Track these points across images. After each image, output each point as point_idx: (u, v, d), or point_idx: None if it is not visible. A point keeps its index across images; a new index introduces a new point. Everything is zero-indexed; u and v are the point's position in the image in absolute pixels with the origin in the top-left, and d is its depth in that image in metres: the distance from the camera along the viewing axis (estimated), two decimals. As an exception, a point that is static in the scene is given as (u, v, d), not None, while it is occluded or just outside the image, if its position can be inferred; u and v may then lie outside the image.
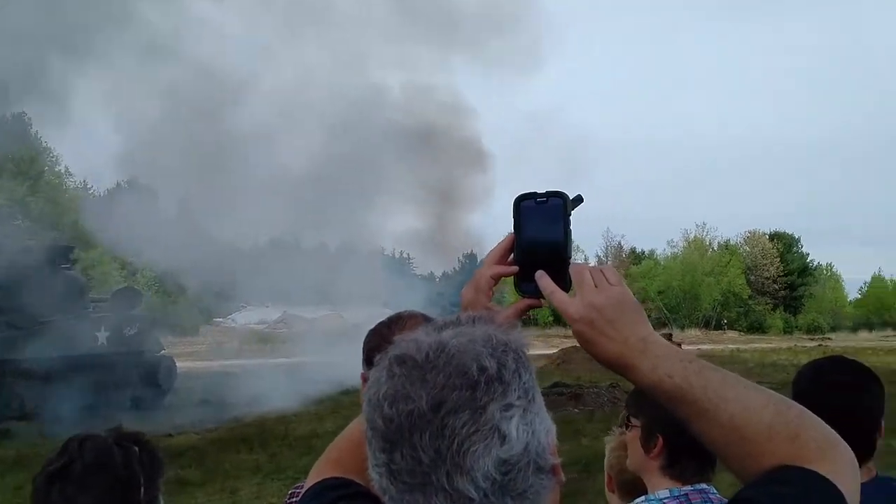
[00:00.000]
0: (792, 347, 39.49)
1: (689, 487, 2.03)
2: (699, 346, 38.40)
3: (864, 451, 2.04)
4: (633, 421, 2.16)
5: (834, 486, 0.96)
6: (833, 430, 1.03)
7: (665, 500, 2.02)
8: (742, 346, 41.97)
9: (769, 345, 42.56)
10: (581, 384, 18.53)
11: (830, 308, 74.86)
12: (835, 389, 2.10)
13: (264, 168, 24.62)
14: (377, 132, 26.92)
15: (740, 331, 64.45)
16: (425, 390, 0.84)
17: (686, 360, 1.06)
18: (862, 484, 2.01)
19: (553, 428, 0.92)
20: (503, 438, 0.83)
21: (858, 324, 71.62)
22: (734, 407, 1.01)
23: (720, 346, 42.09)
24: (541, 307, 1.21)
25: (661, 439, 2.05)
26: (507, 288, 1.36)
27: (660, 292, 68.69)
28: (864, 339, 53.64)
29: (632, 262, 76.41)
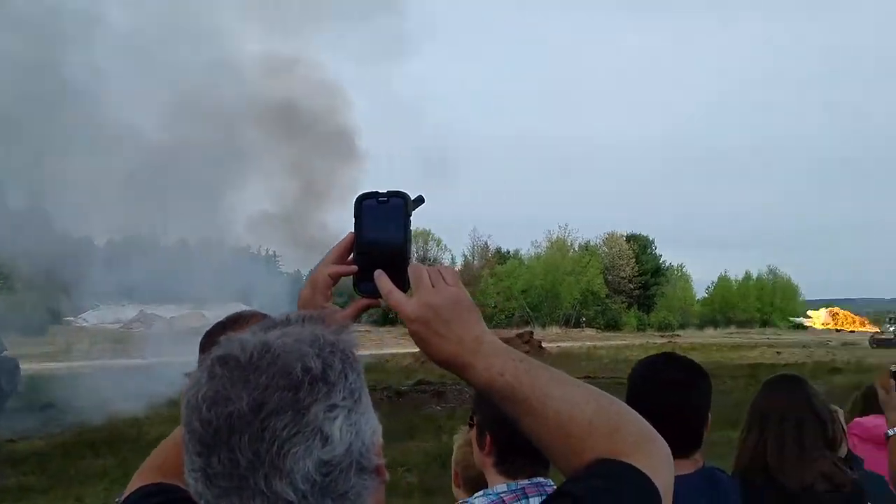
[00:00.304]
0: (644, 344, 41.54)
1: (525, 481, 2.09)
2: (559, 344, 39.76)
3: (692, 444, 2.18)
4: (474, 419, 2.23)
5: (648, 479, 1.00)
6: (650, 425, 1.09)
7: (502, 495, 2.08)
8: (598, 343, 43.78)
9: (623, 342, 44.62)
10: (444, 381, 18.78)
11: (680, 306, 79.36)
12: (667, 386, 2.19)
13: (110, 153, 22.65)
14: (235, 113, 25.13)
15: (597, 328, 67.24)
16: (247, 391, 0.82)
17: (518, 359, 1.08)
18: (690, 473, 2.12)
19: (379, 428, 0.92)
20: (325, 440, 0.82)
21: (705, 321, 76.22)
22: (559, 404, 1.04)
23: (578, 343, 43.75)
24: (379, 307, 1.22)
25: (489, 437, 2.12)
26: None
27: (523, 291, 70.60)
28: (710, 335, 57.18)
29: (497, 261, 78.21)
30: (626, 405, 1.10)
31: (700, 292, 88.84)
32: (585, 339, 50.69)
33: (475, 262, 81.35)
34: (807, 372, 23.87)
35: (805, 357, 31.92)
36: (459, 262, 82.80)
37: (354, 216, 1.22)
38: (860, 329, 69.63)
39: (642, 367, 2.30)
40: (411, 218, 1.22)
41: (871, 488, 2.51)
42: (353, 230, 1.23)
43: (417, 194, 1.25)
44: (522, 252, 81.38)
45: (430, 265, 1.18)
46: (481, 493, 2.12)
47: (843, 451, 2.51)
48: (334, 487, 0.82)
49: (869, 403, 3.95)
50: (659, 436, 1.08)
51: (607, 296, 72.93)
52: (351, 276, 1.23)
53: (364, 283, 1.20)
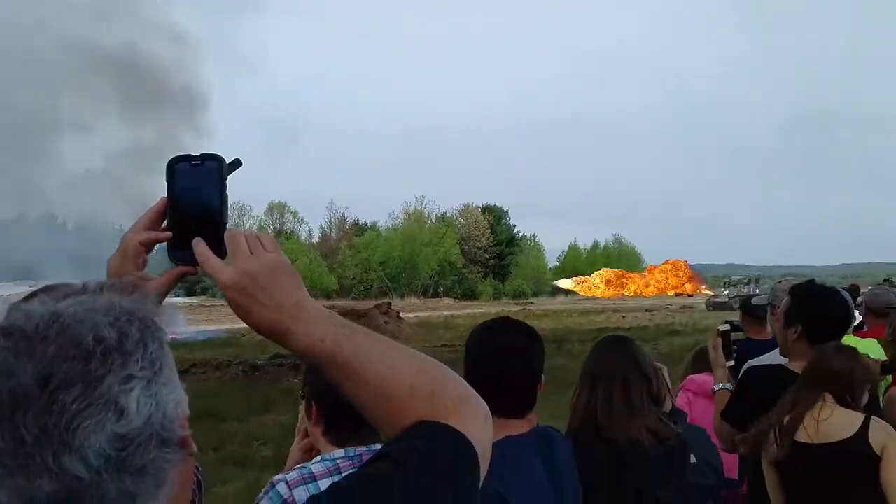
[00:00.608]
0: (499, 312, 42.54)
1: (363, 448, 2.12)
2: (417, 314, 40.09)
3: (527, 405, 2.26)
4: (304, 391, 2.25)
5: (465, 438, 1.02)
6: (468, 387, 1.11)
7: (339, 461, 2.09)
8: (456, 313, 44.52)
9: (480, 310, 45.50)
10: (301, 354, 18.52)
11: (533, 275, 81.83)
12: (504, 352, 2.25)
13: None
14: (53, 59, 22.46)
15: (455, 298, 68.33)
16: (32, 364, 0.77)
17: (339, 324, 1.07)
18: (525, 433, 2.21)
19: (185, 399, 0.88)
20: (121, 412, 0.77)
21: (557, 289, 78.96)
22: (380, 368, 1.05)
23: (437, 313, 44.31)
24: (196, 275, 1.17)
25: (315, 407, 2.15)
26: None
27: (381, 262, 70.66)
28: (561, 302, 59.26)
29: (355, 233, 77.82)
30: (446, 367, 1.11)
31: (552, 261, 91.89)
32: (443, 309, 51.38)
33: (333, 234, 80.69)
34: (649, 334, 25.27)
35: (647, 321, 33.73)
36: (317, 234, 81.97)
37: (167, 180, 1.16)
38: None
39: (479, 332, 2.34)
40: (227, 182, 1.17)
41: (693, 440, 2.68)
42: (165, 195, 1.17)
43: (234, 157, 1.21)
44: (380, 224, 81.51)
45: (247, 232, 1.13)
46: (318, 458, 2.12)
47: (667, 407, 2.66)
48: (132, 462, 0.78)
49: (701, 362, 4.26)
50: (477, 396, 1.11)
51: (464, 266, 74.23)
52: (165, 244, 1.18)
53: (179, 251, 1.15)
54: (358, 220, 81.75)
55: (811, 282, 3.75)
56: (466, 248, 76.66)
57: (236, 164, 1.21)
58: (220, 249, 1.11)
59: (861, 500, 2.90)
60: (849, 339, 3.80)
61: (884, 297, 4.85)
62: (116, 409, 0.77)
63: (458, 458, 1.02)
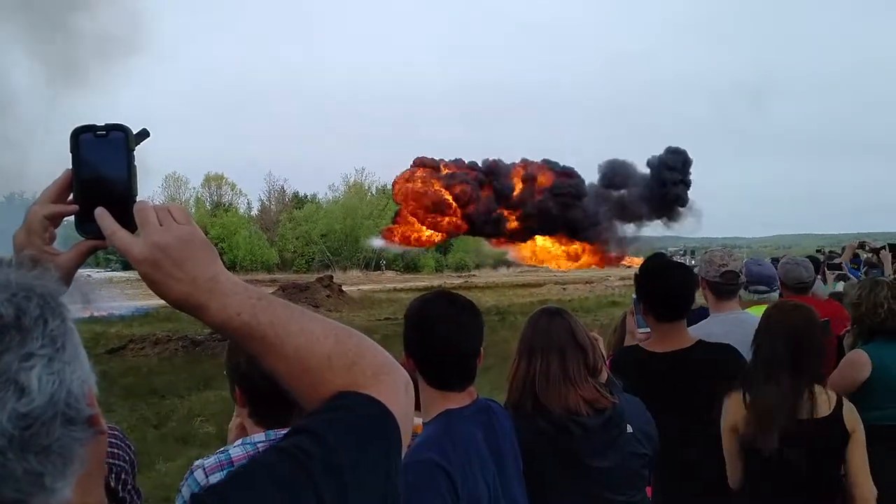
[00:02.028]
0: (442, 285, 42.69)
1: (285, 430, 2.10)
2: (360, 287, 39.97)
3: (466, 378, 2.30)
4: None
5: (383, 406, 1.03)
6: (388, 356, 1.11)
7: (259, 444, 2.07)
8: (399, 286, 44.47)
9: (422, 283, 45.56)
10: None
11: (475, 247, 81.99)
12: (441, 324, 2.26)
13: None
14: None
15: (398, 271, 68.17)
16: None
17: (255, 296, 1.06)
18: (465, 406, 2.25)
19: (92, 378, 0.85)
20: (21, 391, 0.75)
21: (498, 261, 79.38)
22: (298, 339, 1.04)
23: (379, 286, 44.22)
24: (106, 248, 1.13)
25: (238, 389, 2.14)
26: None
27: (322, 235, 70.05)
28: (503, 274, 59.64)
29: (295, 206, 76.90)
30: (365, 337, 1.11)
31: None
32: (386, 282, 51.29)
33: (272, 206, 79.63)
34: (590, 305, 25.70)
35: (587, 292, 34.24)
36: (256, 206, 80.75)
37: (70, 152, 1.12)
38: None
39: (417, 305, 2.36)
40: (135, 153, 1.14)
41: (629, 410, 2.75)
42: (70, 167, 1.13)
43: (141, 128, 1.17)
44: (320, 196, 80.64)
45: (157, 203, 1.10)
46: (239, 441, 2.11)
47: (603, 377, 2.71)
48: (36, 441, 0.76)
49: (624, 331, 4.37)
50: (397, 365, 1.11)
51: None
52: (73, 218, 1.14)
53: (87, 224, 1.11)
54: (297, 193, 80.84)
55: (654, 256, 3.81)
56: (408, 220, 76.50)
57: (143, 134, 1.17)
58: (128, 222, 1.08)
59: (829, 476, 3.05)
60: (760, 310, 3.92)
61: (795, 273, 5.02)
62: (17, 388, 0.75)
63: (378, 427, 1.02)
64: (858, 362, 3.77)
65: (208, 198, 78.37)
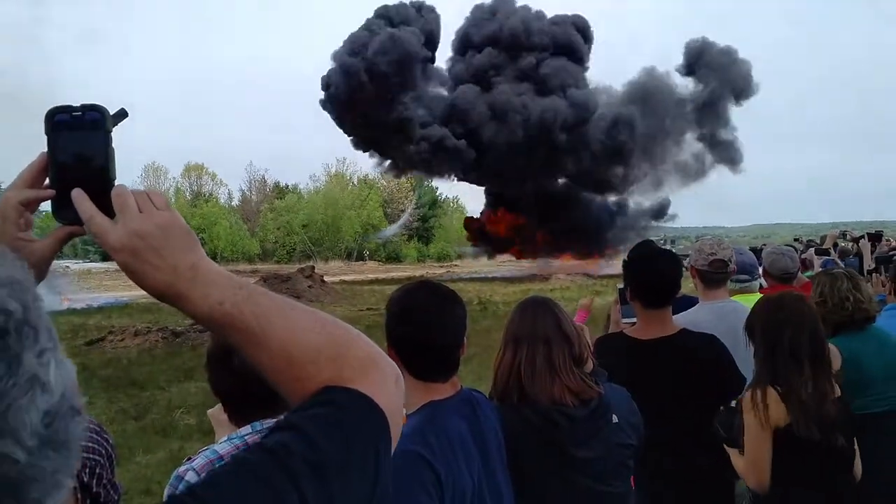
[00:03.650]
0: (424, 275, 42.71)
1: (272, 420, 2.08)
2: (342, 278, 39.91)
3: (450, 369, 2.27)
4: None
5: (373, 402, 0.99)
6: (377, 348, 1.07)
7: (247, 437, 2.06)
8: (381, 276, 44.47)
9: (405, 273, 45.59)
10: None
11: (457, 237, 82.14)
12: (422, 313, 2.23)
13: None
14: None
15: (379, 261, 68.28)
16: None
17: (237, 286, 1.02)
18: (449, 396, 2.23)
19: (74, 368, 0.81)
20: (43, 387, 0.73)
21: (480, 251, 79.57)
22: (283, 332, 1.00)
23: (361, 276, 44.19)
24: (84, 235, 1.08)
25: (220, 397, 2.17)
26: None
27: (304, 226, 69.92)
28: (485, 264, 59.74)
29: (276, 195, 76.64)
30: (352, 329, 1.07)
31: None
32: (368, 272, 51.27)
33: (253, 196, 79.33)
34: (572, 294, 25.77)
35: (569, 281, 34.36)
36: (237, 197, 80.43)
37: (45, 134, 1.07)
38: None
39: (398, 295, 2.32)
40: (112, 135, 1.09)
41: (614, 400, 2.74)
42: (45, 150, 1.08)
43: (119, 108, 1.12)
44: (301, 186, 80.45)
45: (135, 189, 1.05)
46: (226, 437, 2.09)
47: (589, 367, 2.70)
48: (56, 437, 0.74)
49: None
50: (387, 357, 1.07)
51: (370, 233, 74.06)
52: (50, 203, 1.09)
53: (64, 210, 1.06)
54: (279, 183, 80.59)
55: (642, 243, 3.81)
56: (390, 210, 76.50)
57: (122, 114, 1.12)
58: (106, 208, 1.03)
59: (844, 459, 3.06)
60: (752, 297, 3.93)
61: (781, 263, 5.04)
62: (40, 385, 0.73)
63: (366, 424, 0.98)
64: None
65: (188, 188, 78.02)
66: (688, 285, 3.97)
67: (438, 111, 40.18)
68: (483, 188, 45.59)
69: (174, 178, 78.11)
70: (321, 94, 40.09)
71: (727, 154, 42.50)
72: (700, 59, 41.65)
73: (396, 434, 1.03)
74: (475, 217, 48.57)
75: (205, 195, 76.41)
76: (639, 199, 45.55)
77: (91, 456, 1.93)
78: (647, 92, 41.21)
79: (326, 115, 40.83)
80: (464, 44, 42.63)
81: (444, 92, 42.31)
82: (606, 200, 44.30)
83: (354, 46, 39.23)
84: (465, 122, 38.69)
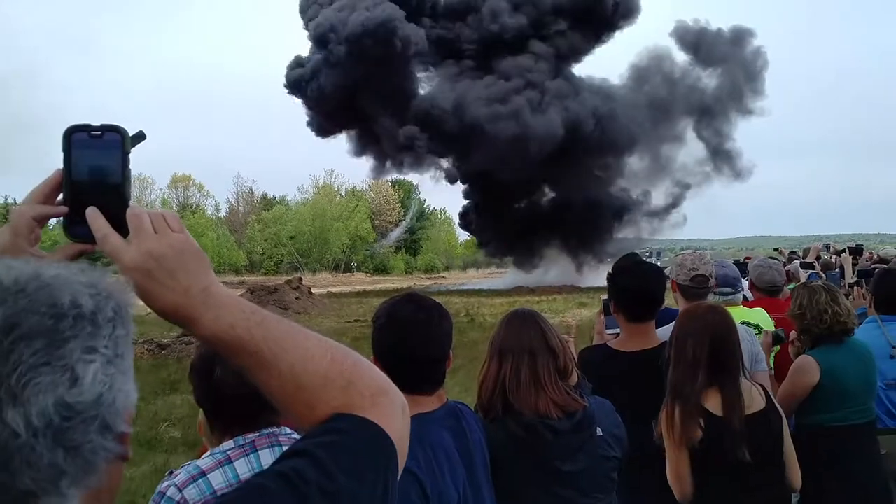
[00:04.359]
0: (412, 286, 42.61)
1: (254, 434, 2.09)
2: (329, 289, 39.78)
3: (436, 381, 2.29)
4: None
5: (382, 431, 1.01)
6: (385, 377, 1.09)
7: (229, 452, 2.05)
8: (368, 287, 44.34)
9: (392, 285, 45.46)
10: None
11: (444, 249, 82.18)
12: (408, 326, 2.25)
13: None
14: None
15: (367, 272, 68.08)
16: (1, 311, 0.74)
17: (248, 310, 1.03)
18: (435, 409, 2.24)
19: (135, 398, 0.85)
20: (75, 380, 0.75)
21: (467, 263, 79.60)
22: (293, 357, 1.02)
23: (349, 288, 44.06)
24: (94, 253, 1.09)
25: (202, 411, 2.18)
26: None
27: (291, 237, 69.68)
28: (472, 276, 59.77)
29: (263, 207, 76.43)
30: (361, 357, 1.08)
31: (463, 235, 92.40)
32: (356, 284, 51.13)
33: (240, 208, 79.07)
34: (558, 306, 25.81)
35: (555, 293, 34.37)
36: (224, 208, 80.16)
37: (63, 151, 1.09)
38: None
39: (385, 308, 2.34)
40: (130, 156, 1.10)
41: (598, 413, 2.75)
42: (61, 167, 1.09)
43: (138, 130, 1.13)
44: (289, 198, 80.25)
45: (150, 210, 1.06)
46: (208, 453, 2.09)
47: (573, 380, 2.71)
48: (70, 436, 0.75)
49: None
50: (395, 387, 1.09)
51: (375, 240, 73.96)
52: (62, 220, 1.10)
53: (76, 227, 1.07)
54: (266, 194, 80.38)
55: (627, 257, 3.86)
56: (377, 222, 76.39)
57: (140, 136, 1.14)
58: (121, 228, 1.04)
59: (768, 472, 3.06)
60: (736, 310, 3.97)
61: (768, 276, 5.08)
62: (72, 376, 0.75)
63: (376, 453, 1.00)
64: (807, 368, 3.80)
65: (175, 199, 77.56)
66: (669, 297, 4.00)
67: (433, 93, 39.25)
68: (466, 188, 44.84)
69: (161, 189, 77.72)
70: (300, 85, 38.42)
71: (731, 162, 42.42)
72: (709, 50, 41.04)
73: (403, 461, 1.05)
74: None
75: (191, 206, 76.00)
76: (638, 200, 45.43)
77: None
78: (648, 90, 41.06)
79: (314, 127, 40.23)
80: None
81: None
82: (602, 206, 44.03)
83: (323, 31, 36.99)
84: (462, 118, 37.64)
